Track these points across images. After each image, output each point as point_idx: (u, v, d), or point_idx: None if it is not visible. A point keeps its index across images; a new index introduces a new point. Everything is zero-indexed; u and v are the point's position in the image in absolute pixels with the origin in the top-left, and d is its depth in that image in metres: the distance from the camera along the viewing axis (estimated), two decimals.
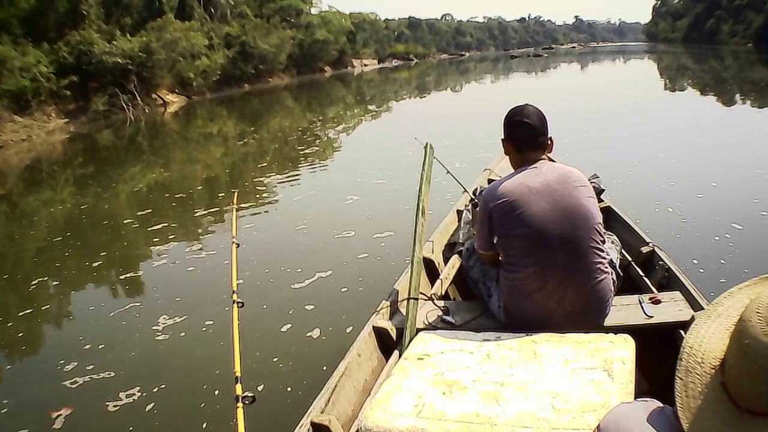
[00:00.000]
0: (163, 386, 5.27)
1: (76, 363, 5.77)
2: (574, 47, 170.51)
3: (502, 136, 3.72)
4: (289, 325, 6.13)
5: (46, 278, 8.59)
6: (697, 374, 1.58)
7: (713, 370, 1.56)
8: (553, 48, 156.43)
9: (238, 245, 4.86)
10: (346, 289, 6.94)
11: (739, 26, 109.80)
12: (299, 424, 2.89)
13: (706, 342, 1.62)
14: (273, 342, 5.83)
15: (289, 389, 4.95)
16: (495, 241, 3.58)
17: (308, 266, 7.66)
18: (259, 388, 4.92)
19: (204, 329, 6.23)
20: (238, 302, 3.89)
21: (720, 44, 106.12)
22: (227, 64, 46.50)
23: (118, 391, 5.22)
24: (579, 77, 54.33)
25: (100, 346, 6.13)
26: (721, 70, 49.38)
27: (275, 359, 5.48)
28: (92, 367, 5.66)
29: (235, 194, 6.23)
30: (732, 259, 7.27)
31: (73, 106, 31.83)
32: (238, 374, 3.26)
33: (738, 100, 28.54)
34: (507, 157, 3.84)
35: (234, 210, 5.90)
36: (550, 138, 3.69)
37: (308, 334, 5.88)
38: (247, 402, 3.03)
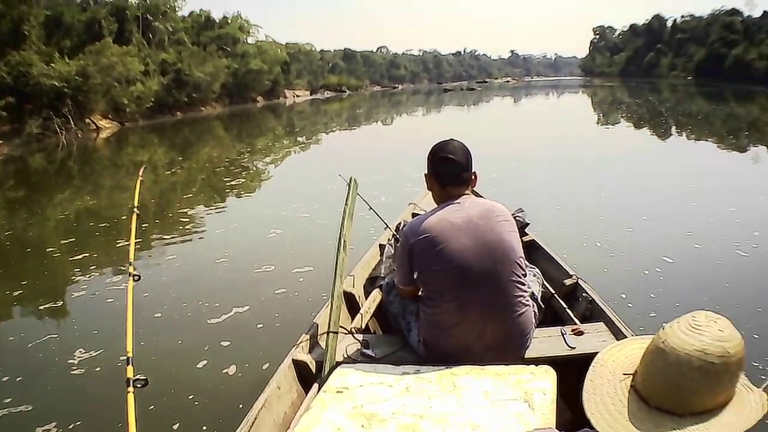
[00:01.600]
0: (78, 423, 5.11)
1: None
2: (508, 81, 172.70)
3: (426, 171, 3.73)
4: (205, 362, 6.01)
5: None
6: (607, 379, 1.70)
7: (624, 377, 1.68)
8: (486, 82, 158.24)
9: (138, 278, 4.41)
10: (262, 325, 6.85)
11: (679, 59, 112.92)
12: None
13: (618, 358, 1.76)
14: (189, 378, 5.72)
15: (204, 428, 4.85)
16: (415, 276, 3.57)
17: (226, 301, 7.55)
18: (175, 426, 4.84)
19: (119, 363, 6.07)
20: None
21: (658, 78, 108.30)
22: (161, 91, 46.33)
23: (36, 426, 5.06)
24: (511, 111, 55.01)
25: (17, 378, 5.96)
26: (657, 103, 50.26)
27: (191, 396, 5.37)
28: (10, 400, 5.50)
29: (133, 219, 6.03)
30: (662, 293, 7.34)
31: (8, 128, 31.46)
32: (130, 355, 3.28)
33: (674, 132, 29.14)
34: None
35: (132, 240, 5.70)
36: (474, 173, 3.71)
37: (224, 371, 5.78)
38: (139, 386, 3.04)
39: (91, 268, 9.60)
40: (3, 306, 8.37)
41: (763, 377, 3.58)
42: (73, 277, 9.22)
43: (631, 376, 1.65)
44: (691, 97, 59.18)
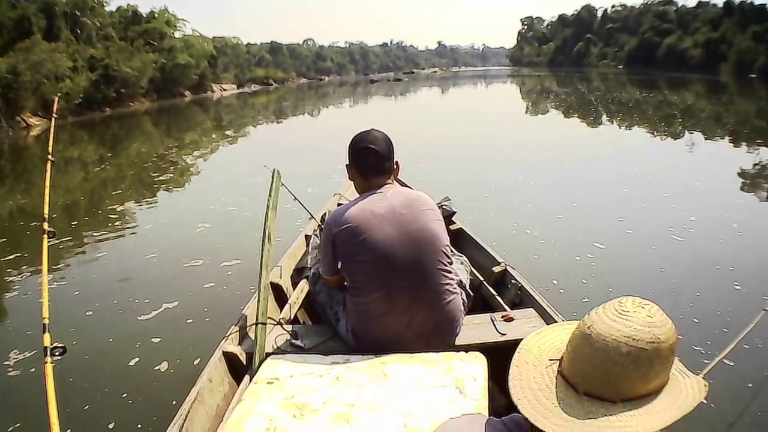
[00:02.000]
0: None
1: None
2: (435, 72, 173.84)
3: (347, 162, 3.73)
4: (137, 359, 5.92)
5: None
6: (533, 365, 1.65)
7: (550, 362, 1.64)
8: (414, 72, 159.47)
9: (53, 234, 4.63)
10: (191, 320, 6.79)
11: (609, 49, 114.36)
12: None
13: (544, 345, 1.71)
14: (122, 377, 5.63)
15: (139, 426, 4.77)
16: (339, 267, 3.57)
17: (156, 296, 7.47)
18: (110, 426, 4.78)
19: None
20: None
21: (588, 67, 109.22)
22: (90, 87, 45.56)
23: None
24: (438, 102, 55.06)
25: None
26: (587, 92, 50.65)
27: (124, 395, 5.28)
28: None
29: (48, 166, 5.79)
30: (594, 279, 7.40)
31: None
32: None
33: (604, 120, 29.37)
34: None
35: (47, 193, 5.53)
36: (396, 162, 3.73)
37: (156, 368, 5.71)
38: (57, 354, 3.00)
39: (23, 267, 9.33)
40: None
41: (706, 361, 3.66)
42: (5, 278, 8.95)
43: (558, 362, 1.63)
44: (622, 85, 59.74)
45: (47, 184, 4.42)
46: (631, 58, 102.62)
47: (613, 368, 1.46)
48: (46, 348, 3.01)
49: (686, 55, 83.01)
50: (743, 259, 7.97)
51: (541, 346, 1.71)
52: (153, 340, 6.33)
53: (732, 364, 5.00)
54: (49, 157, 4.81)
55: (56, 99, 7.00)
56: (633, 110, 33.13)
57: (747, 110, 32.40)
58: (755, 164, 15.80)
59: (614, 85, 61.13)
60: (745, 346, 5.14)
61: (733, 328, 4.57)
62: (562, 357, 1.61)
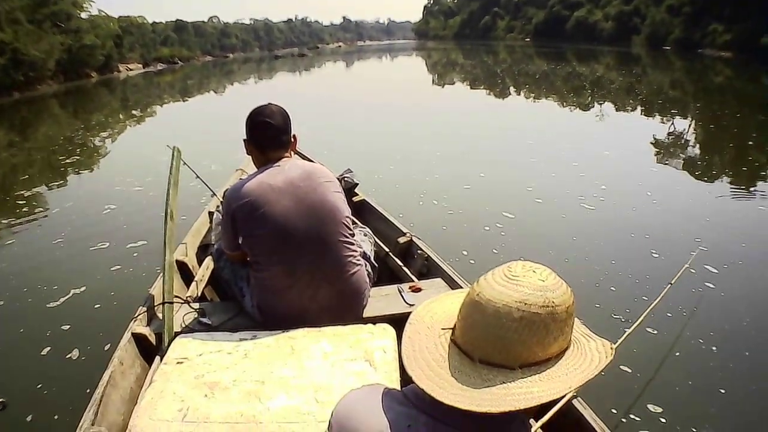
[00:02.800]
0: None
1: None
2: (340, 46, 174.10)
3: (244, 137, 3.72)
4: (48, 348, 5.81)
5: None
6: (425, 335, 1.64)
7: (443, 331, 1.63)
8: (318, 47, 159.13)
9: None
10: (99, 305, 6.68)
11: (517, 22, 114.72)
12: None
13: (436, 315, 1.71)
14: (34, 367, 5.53)
15: (56, 417, 4.69)
16: (240, 242, 3.58)
17: (64, 283, 7.32)
18: (28, 419, 4.69)
19: None
20: None
21: (495, 40, 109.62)
22: None
23: None
24: (343, 75, 55.06)
25: None
26: (493, 64, 50.86)
27: (39, 385, 5.18)
28: None
29: None
30: (504, 248, 7.49)
31: None
32: None
33: (511, 92, 29.50)
34: None
35: None
36: (294, 136, 3.73)
37: (67, 356, 5.61)
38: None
39: None
40: None
41: (626, 330, 3.74)
42: None
43: (451, 331, 1.62)
44: (530, 57, 60.07)
45: None
46: (539, 31, 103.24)
47: (506, 334, 1.45)
48: None
49: (597, 27, 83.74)
50: (658, 227, 8.16)
51: (433, 316, 1.71)
52: (63, 327, 6.22)
53: (655, 332, 5.16)
54: None
55: None
56: (541, 82, 33.47)
57: (661, 81, 32.87)
58: (669, 134, 16.17)
59: (521, 57, 61.51)
60: (668, 315, 5.30)
61: (653, 296, 4.66)
62: (455, 325, 1.61)
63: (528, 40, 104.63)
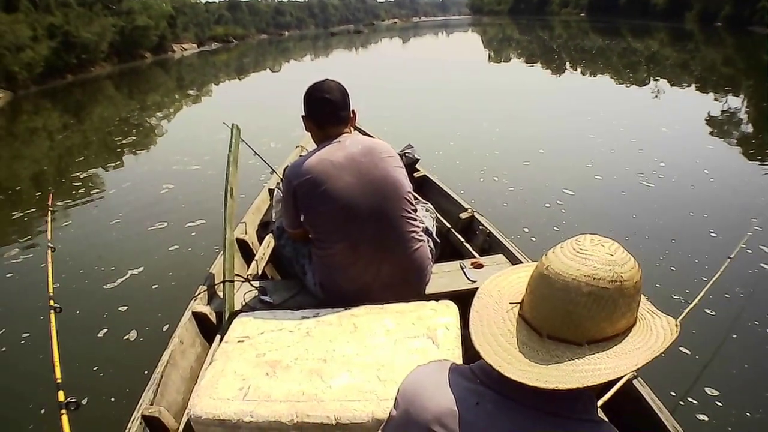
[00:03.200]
0: None
1: None
2: (395, 23, 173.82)
3: (303, 114, 3.67)
4: (106, 330, 5.86)
5: None
6: (493, 309, 1.62)
7: (511, 306, 1.61)
8: (374, 24, 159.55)
9: (53, 249, 4.62)
10: (157, 285, 6.73)
11: None
12: (131, 419, 2.83)
13: (504, 289, 1.68)
14: (92, 349, 5.56)
15: (113, 399, 4.73)
16: (302, 219, 3.54)
17: (121, 264, 7.38)
18: (84, 402, 4.67)
19: (23, 342, 5.85)
20: (55, 308, 3.78)
21: (550, 15, 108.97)
22: (51, 55, 44.76)
23: None
24: (399, 52, 55.07)
25: None
26: (549, 40, 50.54)
27: (95, 368, 5.22)
28: None
29: (50, 195, 5.87)
30: (566, 226, 7.41)
31: None
32: (60, 381, 3.14)
33: (568, 68, 29.31)
34: None
35: (49, 212, 5.57)
36: (353, 111, 3.66)
37: (125, 337, 5.66)
38: (72, 408, 2.93)
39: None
40: None
41: (683, 310, 3.66)
42: None
43: (519, 305, 1.59)
44: (585, 33, 59.64)
45: (49, 268, 4.32)
46: (593, 6, 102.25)
47: (575, 309, 1.43)
48: (61, 403, 2.96)
49: (650, 2, 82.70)
50: (716, 205, 8.03)
51: (501, 290, 1.68)
52: (120, 308, 6.27)
53: (713, 314, 5.06)
54: (49, 244, 4.70)
55: (50, 195, 6.52)
56: (596, 57, 33.16)
57: (713, 58, 32.21)
58: (723, 111, 15.82)
59: (576, 32, 61.03)
60: (726, 296, 5.20)
61: (711, 275, 4.56)
62: (523, 300, 1.58)
63: (583, 15, 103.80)
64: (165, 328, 5.41)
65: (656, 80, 22.86)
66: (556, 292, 1.44)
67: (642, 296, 1.53)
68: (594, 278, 1.41)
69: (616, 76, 24.70)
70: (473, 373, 1.61)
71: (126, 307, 6.28)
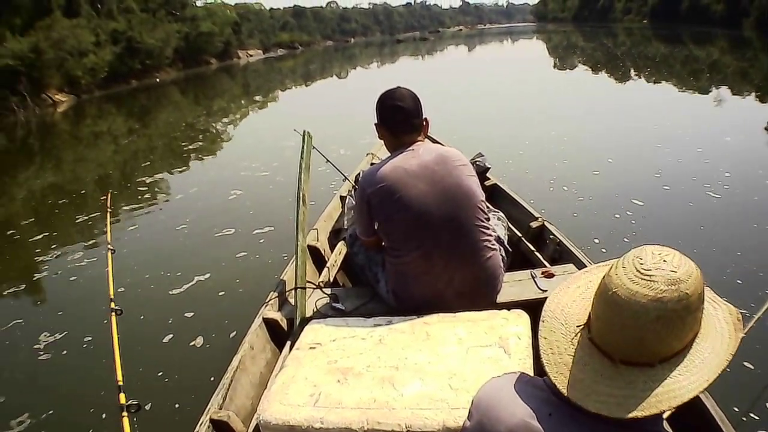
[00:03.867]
0: (51, 412, 4.96)
1: None
2: (461, 30, 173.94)
3: (376, 121, 3.68)
4: (171, 335, 5.92)
5: None
6: (562, 333, 1.63)
7: (578, 329, 1.60)
8: (439, 31, 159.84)
9: (113, 251, 4.71)
10: (223, 292, 6.77)
11: (634, 3, 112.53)
12: (199, 422, 2.85)
13: (567, 307, 1.69)
14: (156, 354, 5.61)
15: (177, 405, 4.76)
16: (376, 227, 3.54)
17: (187, 269, 7.45)
18: (147, 407, 4.68)
19: (85, 344, 5.93)
20: (116, 310, 3.85)
21: (613, 22, 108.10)
22: (114, 60, 45.35)
23: (9, 419, 4.92)
24: (465, 59, 55.16)
25: None
26: (613, 47, 50.15)
27: (160, 373, 5.27)
28: None
29: (108, 195, 5.96)
30: (636, 237, 7.29)
31: None
32: (121, 383, 3.20)
33: (632, 75, 28.94)
34: None
35: (108, 213, 5.63)
36: (426, 119, 3.66)
37: (191, 344, 5.70)
38: (132, 410, 3.00)
39: (53, 247, 9.22)
40: None
41: (747, 324, 3.59)
42: (34, 258, 8.88)
43: (586, 328, 1.59)
44: (648, 40, 58.91)
45: (110, 272, 4.38)
46: (655, 13, 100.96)
47: (646, 335, 1.43)
48: (122, 405, 3.04)
49: (709, 9, 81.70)
50: None
51: (563, 309, 1.68)
52: (186, 315, 6.32)
53: None
54: (109, 246, 4.77)
55: (108, 194, 6.57)
56: (660, 65, 32.68)
57: None
58: None
59: (639, 40, 60.30)
60: None
61: None
62: (590, 321, 1.58)
63: (645, 22, 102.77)
64: (232, 335, 5.44)
65: (718, 88, 22.50)
66: (625, 320, 1.43)
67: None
68: (661, 302, 1.40)
69: (680, 83, 24.33)
70: (546, 384, 1.62)
71: (192, 313, 6.32)
